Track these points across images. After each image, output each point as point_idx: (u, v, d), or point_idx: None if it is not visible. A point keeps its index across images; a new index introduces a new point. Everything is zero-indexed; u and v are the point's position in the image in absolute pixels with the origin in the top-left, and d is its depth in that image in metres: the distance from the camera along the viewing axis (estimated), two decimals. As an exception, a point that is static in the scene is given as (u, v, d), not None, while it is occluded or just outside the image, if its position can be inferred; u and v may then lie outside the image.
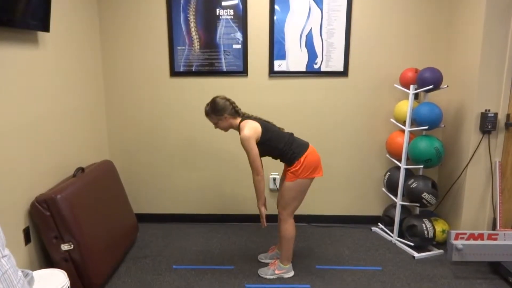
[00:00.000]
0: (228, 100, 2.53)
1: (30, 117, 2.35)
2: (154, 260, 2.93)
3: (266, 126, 2.49)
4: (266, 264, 2.84)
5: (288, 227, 2.60)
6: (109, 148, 3.52)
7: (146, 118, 3.45)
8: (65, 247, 2.32)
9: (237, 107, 2.55)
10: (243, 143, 2.41)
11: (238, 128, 2.55)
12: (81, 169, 2.73)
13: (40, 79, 2.46)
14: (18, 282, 1.47)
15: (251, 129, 2.42)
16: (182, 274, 2.73)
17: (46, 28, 2.37)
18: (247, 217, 3.59)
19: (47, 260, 2.52)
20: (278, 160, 2.58)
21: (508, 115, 2.87)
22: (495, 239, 2.65)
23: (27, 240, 2.33)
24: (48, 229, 2.30)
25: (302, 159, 2.46)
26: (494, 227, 2.98)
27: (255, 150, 2.42)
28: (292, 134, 2.59)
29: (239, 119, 2.55)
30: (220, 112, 2.50)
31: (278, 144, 2.48)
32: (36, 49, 2.42)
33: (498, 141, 2.92)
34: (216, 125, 2.58)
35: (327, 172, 3.51)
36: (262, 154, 2.53)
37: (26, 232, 2.32)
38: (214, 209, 3.62)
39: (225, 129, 2.58)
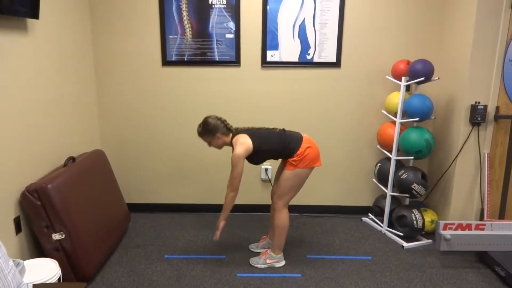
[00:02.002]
0: (219, 119, 2.56)
1: (20, 106, 2.32)
2: (146, 250, 2.93)
3: (257, 135, 2.51)
4: (258, 254, 2.87)
5: (283, 217, 2.62)
6: (100, 137, 3.49)
7: (138, 107, 3.43)
8: (56, 236, 2.31)
9: (228, 124, 2.58)
10: (233, 160, 2.43)
11: (230, 144, 2.58)
12: (72, 159, 2.71)
13: (30, 67, 2.42)
14: (10, 272, 1.47)
15: (243, 147, 2.44)
16: (174, 264, 2.74)
17: (35, 15, 2.33)
18: (239, 207, 3.60)
19: (38, 249, 2.52)
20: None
21: (497, 108, 2.91)
22: (483, 229, 2.70)
23: (18, 230, 2.32)
24: (39, 219, 2.29)
25: (301, 150, 2.48)
26: (481, 218, 3.04)
27: (240, 168, 2.45)
28: (283, 130, 2.60)
29: (230, 135, 2.57)
30: (212, 132, 2.53)
31: (271, 146, 2.50)
32: (26, 37, 2.38)
33: (487, 133, 2.96)
34: (210, 144, 2.61)
35: (319, 162, 3.53)
36: (261, 160, 2.56)
37: (17, 221, 2.31)
38: (206, 198, 3.63)
39: (219, 147, 2.62)
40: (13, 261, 1.70)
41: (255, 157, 2.52)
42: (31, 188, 2.26)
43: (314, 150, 2.52)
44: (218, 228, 2.58)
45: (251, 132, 2.53)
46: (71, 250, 2.34)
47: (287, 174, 2.53)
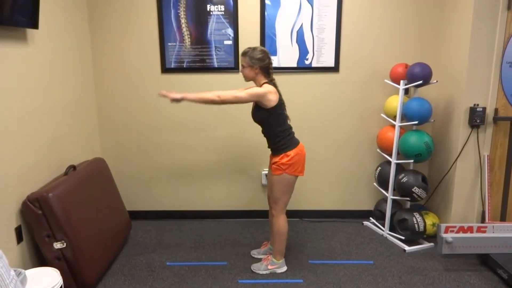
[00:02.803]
0: (268, 57, 2.47)
1: (21, 115, 2.33)
2: (148, 257, 2.93)
3: (281, 104, 2.48)
4: (259, 260, 2.86)
5: (280, 222, 2.62)
6: (101, 145, 3.50)
7: (138, 114, 3.44)
8: (57, 245, 2.31)
9: (271, 69, 2.51)
10: (250, 91, 2.36)
11: (259, 85, 2.49)
12: (72, 167, 2.71)
13: (30, 76, 2.44)
14: (11, 282, 1.47)
15: (267, 92, 2.37)
16: (175, 271, 2.74)
17: (35, 25, 2.35)
18: (239, 212, 3.60)
19: (39, 258, 2.51)
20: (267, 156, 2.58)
21: (496, 110, 2.91)
22: (484, 231, 2.69)
23: (19, 239, 2.32)
24: (40, 228, 2.29)
25: (291, 153, 2.48)
26: (483, 220, 3.03)
27: (244, 100, 2.36)
28: (291, 127, 2.59)
29: (265, 80, 2.48)
30: (254, 61, 2.43)
31: (279, 125, 2.48)
32: (25, 47, 2.40)
33: (486, 135, 2.96)
34: (243, 69, 2.49)
35: (319, 167, 3.54)
36: (262, 119, 2.49)
37: (18, 231, 2.31)
38: (207, 205, 3.63)
39: (247, 79, 2.50)
40: (15, 270, 1.70)
41: (264, 111, 2.44)
42: (32, 197, 2.27)
43: (301, 156, 2.53)
44: (173, 95, 2.36)
45: (281, 99, 2.47)
46: (72, 258, 2.34)
47: (275, 179, 2.54)
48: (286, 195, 2.58)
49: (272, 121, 2.47)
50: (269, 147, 2.60)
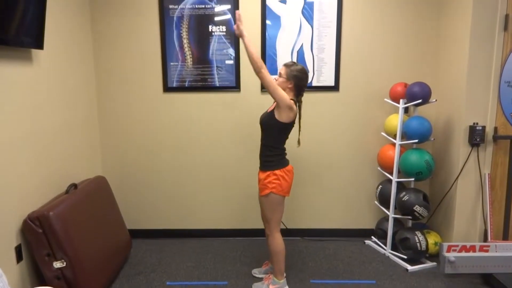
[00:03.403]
0: (305, 80, 2.48)
1: (23, 134, 2.35)
2: (148, 277, 2.90)
3: (291, 125, 2.48)
4: (260, 279, 2.83)
5: (275, 242, 2.60)
6: (102, 163, 3.51)
7: (140, 133, 3.46)
8: (57, 264, 2.29)
9: (303, 91, 2.52)
10: (286, 97, 2.35)
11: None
12: (74, 186, 2.72)
13: (34, 96, 2.47)
14: (11, 302, 1.46)
15: (292, 109, 2.39)
16: (175, 291, 2.71)
17: (40, 46, 2.39)
18: (241, 231, 3.58)
19: (39, 278, 2.49)
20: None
21: (495, 128, 2.93)
22: (487, 250, 2.67)
23: (19, 258, 2.31)
24: (40, 247, 2.28)
25: (278, 172, 2.48)
26: (485, 239, 3.01)
27: (273, 91, 2.33)
28: (285, 149, 2.60)
29: (293, 98, 2.47)
30: (292, 78, 2.44)
31: (276, 141, 2.50)
32: (30, 67, 2.43)
33: (486, 153, 2.97)
34: (278, 78, 2.48)
35: (320, 185, 3.54)
36: (266, 130, 2.50)
37: (18, 250, 2.30)
38: (208, 224, 3.62)
39: (279, 86, 2.45)
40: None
41: (274, 120, 2.42)
42: (32, 216, 2.26)
43: (290, 179, 2.54)
44: (241, 29, 2.36)
45: (294, 121, 2.48)
46: (72, 278, 2.32)
47: (263, 199, 2.56)
48: (276, 214, 2.57)
49: (274, 134, 2.48)
50: (259, 158, 2.59)
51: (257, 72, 2.32)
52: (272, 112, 2.46)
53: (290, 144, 3.33)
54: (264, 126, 2.53)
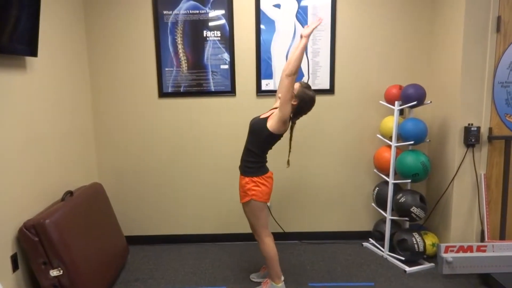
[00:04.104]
0: (309, 107, 2.46)
1: (18, 142, 2.34)
2: (145, 283, 2.89)
3: (277, 139, 2.49)
4: (259, 284, 2.82)
5: (266, 248, 2.59)
6: (98, 170, 3.50)
7: (135, 139, 3.45)
8: (54, 272, 2.28)
9: (301, 115, 2.51)
10: (289, 110, 2.34)
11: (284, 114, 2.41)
12: (69, 193, 2.70)
13: (28, 103, 2.46)
14: (7, 311, 1.45)
15: (286, 124, 2.39)
16: (174, 297, 2.70)
17: (34, 53, 2.38)
18: (239, 236, 3.57)
19: (35, 287, 2.47)
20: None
21: (490, 129, 2.95)
22: (484, 250, 2.68)
23: (15, 267, 2.29)
24: (36, 255, 2.26)
25: (256, 179, 2.48)
26: (482, 239, 3.02)
27: (286, 92, 2.29)
28: (267, 160, 2.59)
29: (289, 115, 2.41)
30: (300, 97, 2.41)
31: (260, 149, 2.49)
32: (24, 74, 2.42)
33: (482, 154, 2.98)
34: (287, 92, 2.34)
35: (316, 188, 3.54)
36: (254, 134, 2.49)
37: (14, 258, 2.28)
38: (205, 229, 3.60)
39: (282, 97, 2.36)
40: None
41: (265, 128, 2.41)
42: (28, 224, 2.25)
43: (269, 185, 2.54)
44: (305, 32, 2.30)
45: (281, 136, 2.49)
46: (69, 286, 2.30)
47: (245, 208, 2.57)
48: (260, 220, 2.56)
49: (260, 140, 2.47)
50: (241, 160, 2.59)
51: (290, 74, 2.26)
52: (265, 119, 2.46)
53: (284, 148, 3.33)
54: (253, 130, 2.51)
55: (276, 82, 3.34)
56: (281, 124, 2.38)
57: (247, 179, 2.50)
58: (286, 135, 2.57)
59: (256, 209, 2.53)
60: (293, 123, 2.58)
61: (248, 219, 2.61)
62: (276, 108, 2.56)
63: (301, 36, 2.33)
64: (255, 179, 2.49)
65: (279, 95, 2.38)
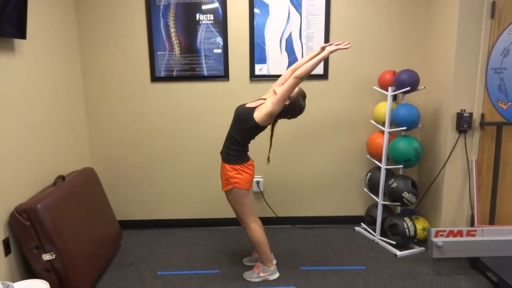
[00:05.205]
0: (296, 114, 2.51)
1: (8, 126, 2.31)
2: (139, 267, 2.90)
3: (259, 131, 2.50)
4: (251, 267, 2.85)
5: (252, 234, 2.62)
6: (90, 155, 3.47)
7: (128, 124, 3.43)
8: (46, 257, 2.28)
9: (285, 116, 2.53)
10: (280, 105, 2.37)
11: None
12: (61, 177, 2.69)
13: (18, 87, 2.42)
14: (-1, 295, 1.45)
15: (272, 118, 2.42)
16: (167, 280, 2.72)
17: (22, 35, 2.34)
18: (231, 220, 3.59)
19: (28, 271, 2.48)
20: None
21: (482, 115, 2.96)
22: (474, 235, 2.72)
23: (7, 251, 2.29)
24: (28, 239, 2.26)
25: (238, 167, 2.49)
26: (472, 224, 3.07)
27: (274, 109, 2.37)
28: (248, 150, 2.60)
29: (278, 112, 2.44)
30: (293, 102, 2.44)
31: (243, 139, 2.48)
32: (13, 57, 2.38)
33: (473, 140, 3.00)
34: (289, 100, 2.44)
35: (309, 173, 3.55)
36: (238, 122, 2.48)
37: (6, 243, 2.28)
38: (198, 213, 3.62)
39: (277, 92, 2.41)
40: (3, 283, 1.68)
41: (251, 118, 2.41)
42: (20, 209, 2.24)
43: (251, 173, 2.55)
44: (330, 49, 2.35)
45: (264, 128, 2.50)
46: (62, 270, 2.31)
47: (228, 196, 2.59)
48: (243, 206, 2.58)
49: (244, 129, 2.47)
50: (223, 146, 2.58)
51: (299, 77, 2.29)
52: (252, 109, 2.45)
53: (275, 136, 3.32)
54: (238, 118, 2.49)
55: (270, 67, 3.32)
56: (268, 118, 2.40)
57: (228, 166, 2.51)
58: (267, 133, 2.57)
59: (239, 197, 2.54)
60: (275, 121, 2.59)
61: (232, 207, 2.62)
62: (264, 99, 2.58)
63: (322, 48, 2.47)
64: (237, 166, 2.49)
65: (276, 89, 2.42)
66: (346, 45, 2.35)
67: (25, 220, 2.24)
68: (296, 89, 2.47)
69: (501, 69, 2.90)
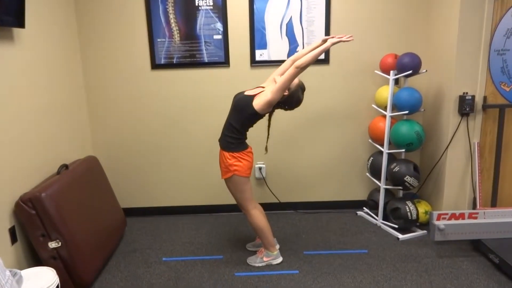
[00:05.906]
0: (292, 106, 2.53)
1: (10, 116, 2.31)
2: (143, 254, 2.94)
3: (258, 119, 2.50)
4: (254, 252, 2.88)
5: (253, 220, 2.64)
6: (93, 143, 3.49)
7: (129, 111, 3.43)
8: (52, 244, 2.31)
9: (282, 107, 2.55)
10: (279, 95, 2.38)
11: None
12: (65, 166, 2.70)
13: (18, 76, 2.42)
14: (7, 282, 1.47)
15: (270, 107, 2.43)
16: (172, 266, 2.75)
17: (21, 24, 2.32)
18: (235, 207, 3.61)
19: (35, 258, 2.51)
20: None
21: (484, 97, 2.94)
22: (476, 218, 2.73)
23: (14, 240, 2.32)
24: (34, 228, 2.29)
25: (236, 155, 2.49)
26: (474, 206, 3.08)
27: (274, 98, 2.37)
28: (246, 138, 2.60)
29: (277, 101, 2.45)
30: (292, 93, 2.46)
31: (242, 126, 2.48)
32: (12, 46, 2.37)
33: (476, 122, 2.99)
34: (288, 91, 2.46)
35: (312, 158, 3.56)
36: (237, 111, 2.48)
37: (12, 231, 2.30)
38: (202, 200, 3.64)
39: (279, 83, 2.40)
40: (10, 271, 1.70)
41: (251, 106, 2.42)
42: (25, 198, 2.26)
43: (250, 160, 2.56)
44: (332, 41, 2.35)
45: (262, 116, 2.51)
46: (68, 257, 2.34)
47: (227, 183, 2.59)
48: (244, 193, 2.59)
49: (243, 117, 2.46)
50: (221, 134, 2.58)
51: (300, 67, 2.29)
52: (251, 97, 2.45)
53: (277, 121, 3.32)
54: (237, 106, 2.49)
55: (270, 52, 3.29)
56: (267, 106, 2.41)
57: (227, 154, 2.51)
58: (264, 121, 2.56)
59: (239, 184, 2.55)
60: (273, 111, 2.59)
61: (233, 194, 2.63)
62: (263, 87, 2.57)
63: (323, 40, 2.45)
64: (236, 154, 2.50)
65: (277, 78, 2.42)
66: (348, 37, 2.34)
67: (30, 208, 2.26)
68: (296, 81, 2.47)
69: (504, 50, 2.87)
